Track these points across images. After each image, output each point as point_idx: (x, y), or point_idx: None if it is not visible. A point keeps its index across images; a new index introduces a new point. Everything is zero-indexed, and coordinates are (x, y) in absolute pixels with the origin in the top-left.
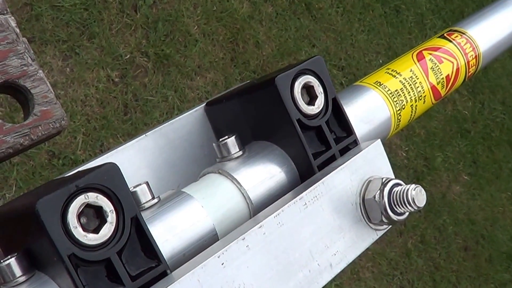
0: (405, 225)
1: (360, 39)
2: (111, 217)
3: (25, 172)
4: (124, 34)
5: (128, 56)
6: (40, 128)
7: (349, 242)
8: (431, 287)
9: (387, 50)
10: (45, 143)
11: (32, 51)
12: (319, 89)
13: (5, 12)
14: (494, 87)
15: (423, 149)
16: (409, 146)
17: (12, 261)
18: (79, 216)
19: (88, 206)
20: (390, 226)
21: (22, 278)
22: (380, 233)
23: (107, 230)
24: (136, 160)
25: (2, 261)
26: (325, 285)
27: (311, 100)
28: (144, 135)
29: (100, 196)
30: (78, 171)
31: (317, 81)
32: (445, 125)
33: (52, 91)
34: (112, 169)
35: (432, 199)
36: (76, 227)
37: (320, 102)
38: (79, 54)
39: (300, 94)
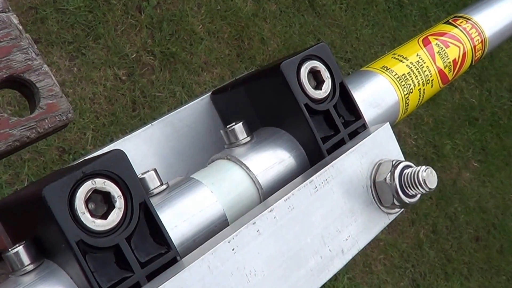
0: (417, 214)
1: (365, 33)
2: (119, 203)
3: (36, 168)
4: (129, 34)
5: (134, 55)
6: (46, 121)
7: (361, 226)
8: (443, 280)
9: (393, 42)
10: (55, 140)
11: (35, 46)
12: (325, 74)
13: (6, 10)
14: (500, 75)
15: (432, 137)
16: (418, 134)
17: (20, 249)
18: (86, 202)
19: (95, 192)
20: (402, 209)
21: (31, 267)
22: (392, 217)
23: (115, 216)
24: (143, 149)
25: (10, 249)
26: (338, 279)
27: (318, 84)
28: (151, 124)
29: (108, 182)
30: (85, 159)
31: (323, 66)
32: (453, 113)
33: (58, 84)
34: (119, 155)
35: (443, 185)
36: (84, 213)
37: (327, 86)
38: (86, 55)
39: (306, 79)
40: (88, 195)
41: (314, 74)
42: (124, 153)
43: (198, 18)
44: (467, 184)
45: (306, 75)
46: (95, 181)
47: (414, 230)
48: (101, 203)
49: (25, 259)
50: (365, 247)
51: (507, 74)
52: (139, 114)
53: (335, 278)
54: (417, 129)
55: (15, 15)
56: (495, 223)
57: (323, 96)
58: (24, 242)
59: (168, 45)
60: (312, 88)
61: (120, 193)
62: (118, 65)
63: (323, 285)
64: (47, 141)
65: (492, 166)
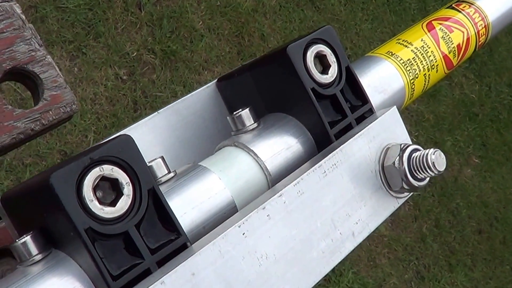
0: (420, 210)
1: (364, 28)
2: (128, 190)
3: (38, 173)
4: (129, 32)
5: (135, 53)
6: (50, 113)
7: (371, 211)
8: (447, 271)
9: (392, 38)
10: (56, 143)
11: (39, 37)
12: (331, 58)
13: None
14: (500, 70)
15: (433, 133)
16: (418, 131)
17: (28, 239)
18: (94, 189)
19: (103, 179)
20: (411, 193)
21: (39, 257)
22: (401, 201)
23: (124, 203)
24: (149, 138)
25: (17, 240)
26: (343, 273)
27: (324, 69)
28: (157, 112)
29: (116, 168)
30: (92, 146)
31: (329, 50)
32: (453, 109)
33: (62, 75)
34: (127, 141)
35: (445, 182)
36: (92, 200)
37: (333, 70)
38: (86, 54)
39: (313, 63)
40: (96, 182)
41: (320, 59)
42: (132, 138)
43: (198, 14)
44: (468, 180)
45: (312, 59)
46: (102, 168)
47: (417, 225)
48: (109, 190)
49: (33, 249)
50: (368, 243)
51: (506, 68)
52: (140, 115)
53: (340, 273)
54: (418, 126)
55: (18, 4)
56: (497, 216)
57: (330, 81)
58: (31, 232)
59: (169, 42)
60: (319, 72)
61: (128, 179)
62: (119, 64)
63: (329, 281)
64: (48, 145)
65: (493, 162)
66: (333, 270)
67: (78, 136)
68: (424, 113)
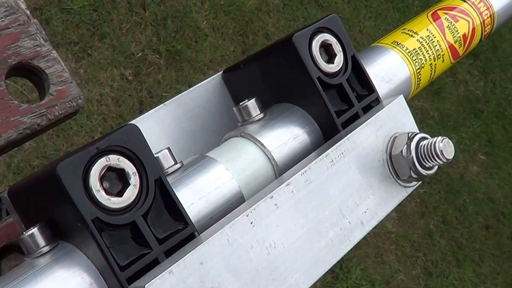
0: (426, 207)
1: (368, 25)
2: (134, 180)
3: None
4: (134, 32)
5: (140, 54)
6: (56, 107)
7: (379, 200)
8: (455, 267)
9: (397, 28)
10: (63, 144)
11: (44, 32)
12: (337, 47)
13: None
14: (504, 66)
15: (437, 131)
16: (423, 128)
17: (35, 231)
18: (101, 179)
19: (110, 169)
20: (420, 182)
21: (46, 248)
22: (410, 190)
23: (130, 193)
24: (155, 130)
25: (24, 232)
26: (351, 270)
27: (330, 58)
28: (163, 104)
29: (122, 158)
30: (99, 137)
31: (334, 39)
32: (458, 106)
33: (67, 70)
34: (133, 130)
35: (451, 180)
36: (99, 191)
37: (339, 60)
38: (92, 55)
39: (318, 52)
40: (103, 172)
41: (326, 48)
42: (138, 127)
43: (202, 13)
44: (474, 177)
45: (317, 48)
46: (109, 158)
47: (424, 222)
48: (116, 180)
49: (40, 241)
50: (376, 239)
51: (511, 65)
52: None
53: (348, 270)
54: (423, 123)
55: (22, 0)
56: (504, 212)
57: (336, 70)
58: (38, 224)
59: (173, 42)
60: (324, 62)
61: (134, 169)
62: (124, 64)
63: (337, 278)
64: (55, 146)
65: (499, 158)
66: (340, 267)
67: (85, 137)
68: (429, 110)
